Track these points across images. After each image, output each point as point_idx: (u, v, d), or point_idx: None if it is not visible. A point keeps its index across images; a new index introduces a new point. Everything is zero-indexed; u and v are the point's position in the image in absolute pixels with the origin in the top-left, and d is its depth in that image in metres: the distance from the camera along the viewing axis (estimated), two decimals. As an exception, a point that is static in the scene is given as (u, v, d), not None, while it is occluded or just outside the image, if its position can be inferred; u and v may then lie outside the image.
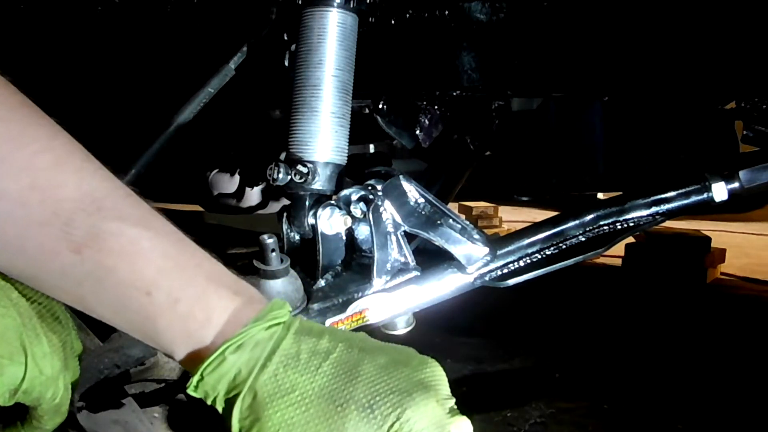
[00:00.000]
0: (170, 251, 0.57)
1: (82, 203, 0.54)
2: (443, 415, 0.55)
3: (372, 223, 0.88)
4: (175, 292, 0.55)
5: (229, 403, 0.55)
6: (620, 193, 1.06)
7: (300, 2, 0.97)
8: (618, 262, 3.88)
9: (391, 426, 0.53)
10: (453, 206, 1.31)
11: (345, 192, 0.91)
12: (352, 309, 0.89)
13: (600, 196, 1.93)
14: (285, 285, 0.82)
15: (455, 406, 0.57)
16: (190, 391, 0.56)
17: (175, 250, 0.57)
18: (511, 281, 0.97)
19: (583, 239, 1.01)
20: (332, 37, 0.94)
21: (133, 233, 0.55)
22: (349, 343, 0.58)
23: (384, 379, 0.55)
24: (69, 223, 0.53)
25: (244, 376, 0.54)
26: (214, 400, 0.56)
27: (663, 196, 1.03)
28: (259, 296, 0.60)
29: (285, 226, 0.95)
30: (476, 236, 0.94)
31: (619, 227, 1.02)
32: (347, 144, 0.97)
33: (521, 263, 0.99)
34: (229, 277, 0.60)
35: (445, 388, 0.58)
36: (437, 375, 0.59)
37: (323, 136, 0.93)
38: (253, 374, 0.54)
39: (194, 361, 0.56)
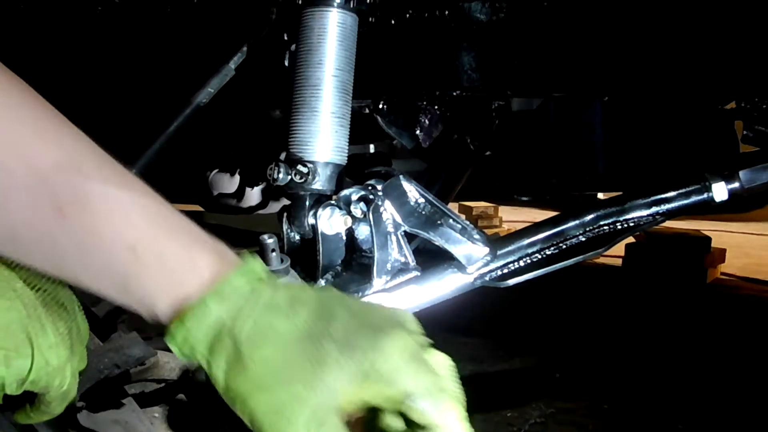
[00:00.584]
0: (153, 209, 0.57)
1: (65, 166, 0.54)
2: (417, 346, 0.57)
3: (372, 223, 0.88)
4: (161, 247, 0.56)
5: (213, 353, 0.55)
6: (620, 193, 1.06)
7: (300, 2, 0.98)
8: (618, 262, 3.88)
9: (370, 358, 0.54)
10: (453, 206, 1.31)
11: (345, 192, 0.91)
12: (352, 309, 0.89)
13: (600, 196, 1.93)
14: (285, 285, 0.81)
15: (428, 343, 0.59)
16: (169, 341, 0.56)
17: (159, 209, 0.58)
18: (511, 281, 0.97)
19: (583, 239, 1.01)
20: (332, 37, 0.94)
21: (117, 194, 0.55)
22: (322, 292, 0.60)
23: (359, 318, 0.57)
24: (52, 187, 0.53)
25: (227, 324, 0.55)
26: (196, 354, 0.56)
27: (663, 196, 1.03)
28: (235, 256, 0.61)
29: (285, 226, 0.95)
30: (476, 236, 0.94)
31: (619, 227, 1.02)
32: (347, 144, 0.97)
33: (521, 263, 0.99)
34: (209, 237, 0.60)
35: (416, 326, 0.60)
36: (408, 316, 0.61)
37: (323, 136, 0.93)
38: (235, 322, 0.55)
39: (177, 315, 0.56)
